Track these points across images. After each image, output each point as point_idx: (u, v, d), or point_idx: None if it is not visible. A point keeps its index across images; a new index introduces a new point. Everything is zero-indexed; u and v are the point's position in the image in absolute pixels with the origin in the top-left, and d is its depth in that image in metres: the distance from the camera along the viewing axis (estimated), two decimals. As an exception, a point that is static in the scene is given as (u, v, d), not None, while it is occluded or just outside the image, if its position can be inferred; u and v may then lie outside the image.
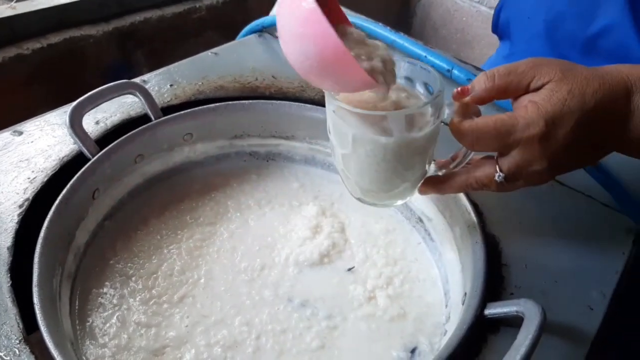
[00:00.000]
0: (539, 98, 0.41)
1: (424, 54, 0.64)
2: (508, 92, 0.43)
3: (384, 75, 0.41)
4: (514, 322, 0.42)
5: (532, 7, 0.79)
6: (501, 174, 0.44)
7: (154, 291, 0.51)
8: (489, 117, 0.43)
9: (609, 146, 0.44)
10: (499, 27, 0.89)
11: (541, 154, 0.42)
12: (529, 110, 0.41)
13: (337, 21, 0.42)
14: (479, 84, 0.43)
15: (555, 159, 0.42)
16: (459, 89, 0.44)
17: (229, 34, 0.93)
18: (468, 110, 0.44)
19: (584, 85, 0.41)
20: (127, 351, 0.46)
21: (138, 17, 1.07)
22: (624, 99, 0.41)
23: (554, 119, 0.41)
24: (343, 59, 0.37)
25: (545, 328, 0.38)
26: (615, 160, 0.57)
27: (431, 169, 0.48)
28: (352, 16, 0.64)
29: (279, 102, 0.65)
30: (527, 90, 0.43)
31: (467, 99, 0.44)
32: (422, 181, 0.48)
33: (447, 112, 0.44)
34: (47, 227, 0.46)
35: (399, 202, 0.51)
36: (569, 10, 0.72)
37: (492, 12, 1.41)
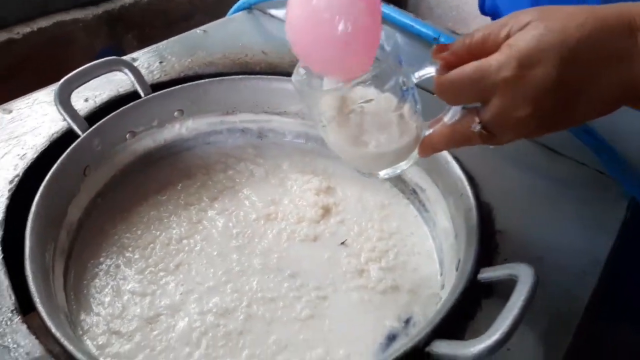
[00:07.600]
0: (513, 39, 0.38)
1: (411, 23, 0.63)
2: (487, 43, 0.39)
3: None
4: (508, 287, 0.42)
5: None
6: (477, 125, 0.40)
7: (150, 260, 0.51)
8: (463, 66, 0.39)
9: (608, 93, 0.37)
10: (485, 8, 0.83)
11: (522, 98, 0.37)
12: (502, 52, 0.38)
13: None
14: (458, 41, 0.41)
15: (540, 103, 0.37)
16: (438, 45, 0.42)
17: (220, 17, 0.92)
18: (451, 69, 0.40)
19: (566, 19, 0.36)
20: (121, 319, 0.46)
21: (127, 0, 1.06)
22: (624, 34, 0.35)
23: (529, 58, 0.36)
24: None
25: (539, 293, 0.38)
26: (607, 126, 0.57)
27: (424, 131, 0.47)
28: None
29: (270, 77, 0.64)
30: (506, 40, 0.39)
31: (445, 54, 0.41)
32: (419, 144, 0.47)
33: (430, 72, 0.42)
34: (38, 202, 0.46)
35: (402, 167, 0.47)
36: None
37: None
